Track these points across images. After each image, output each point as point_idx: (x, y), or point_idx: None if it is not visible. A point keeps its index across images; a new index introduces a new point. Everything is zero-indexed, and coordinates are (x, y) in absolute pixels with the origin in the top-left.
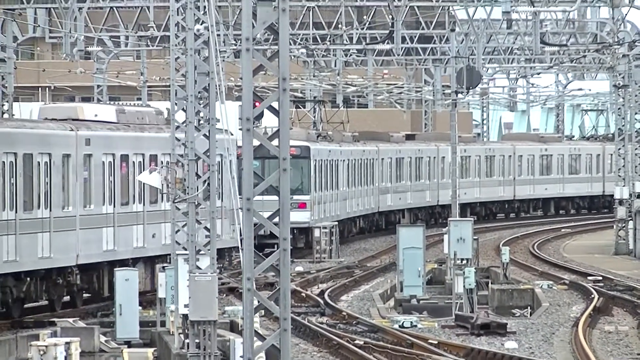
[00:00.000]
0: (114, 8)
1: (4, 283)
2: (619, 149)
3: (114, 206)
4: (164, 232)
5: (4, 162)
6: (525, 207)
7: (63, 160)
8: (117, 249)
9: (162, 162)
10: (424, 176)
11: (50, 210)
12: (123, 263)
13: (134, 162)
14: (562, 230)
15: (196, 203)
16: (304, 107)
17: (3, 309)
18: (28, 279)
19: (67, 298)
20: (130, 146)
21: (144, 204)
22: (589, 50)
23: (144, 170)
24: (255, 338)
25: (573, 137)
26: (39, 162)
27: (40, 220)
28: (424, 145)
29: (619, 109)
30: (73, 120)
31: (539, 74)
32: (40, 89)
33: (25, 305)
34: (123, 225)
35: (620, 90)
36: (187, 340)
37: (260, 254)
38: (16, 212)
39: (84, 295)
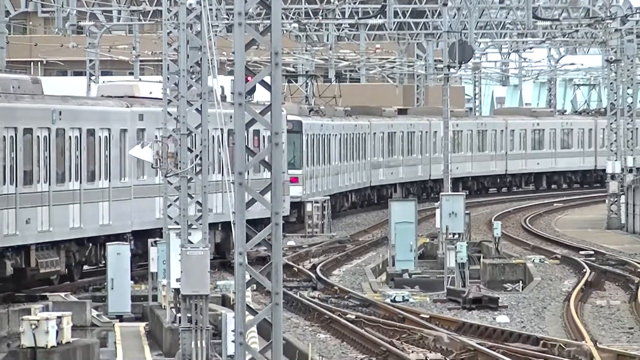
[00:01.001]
0: None
1: (69, 248)
2: (611, 123)
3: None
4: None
5: (70, 136)
6: (517, 181)
7: (120, 135)
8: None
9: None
10: (416, 151)
11: (110, 181)
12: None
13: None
14: (554, 204)
15: (188, 177)
16: (296, 82)
17: (66, 271)
18: (90, 244)
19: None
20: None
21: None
22: (581, 24)
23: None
24: (247, 312)
25: (565, 111)
26: (99, 137)
27: (101, 191)
28: (416, 120)
29: (611, 83)
30: (129, 97)
31: (531, 48)
32: (32, 63)
33: (85, 268)
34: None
35: (612, 64)
36: (178, 315)
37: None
38: (80, 182)
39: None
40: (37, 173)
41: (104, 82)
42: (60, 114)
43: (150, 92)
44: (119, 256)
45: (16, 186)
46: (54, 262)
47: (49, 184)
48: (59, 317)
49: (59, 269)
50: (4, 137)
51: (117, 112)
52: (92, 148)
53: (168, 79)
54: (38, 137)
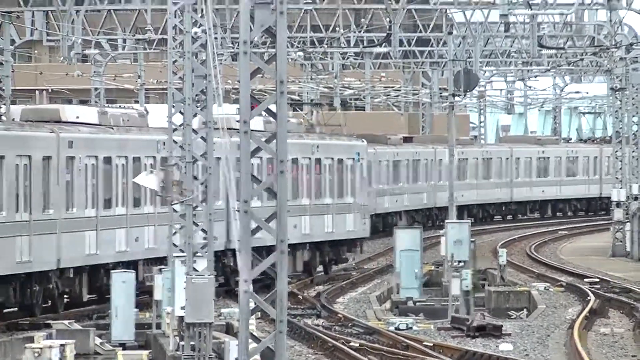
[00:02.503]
0: (112, 11)
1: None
2: (616, 151)
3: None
4: (146, 235)
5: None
6: (523, 209)
7: (43, 162)
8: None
9: (145, 165)
10: (421, 178)
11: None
12: (127, 264)
13: (117, 164)
14: (559, 232)
15: (193, 205)
16: (302, 110)
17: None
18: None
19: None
20: (114, 148)
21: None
22: (586, 53)
23: (127, 172)
24: (250, 340)
25: (570, 139)
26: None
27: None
28: (422, 148)
29: (616, 111)
30: (55, 122)
31: (536, 76)
32: (37, 91)
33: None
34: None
35: (617, 93)
36: (182, 343)
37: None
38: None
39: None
40: None
41: (26, 105)
42: None
43: (77, 117)
44: (123, 284)
45: None
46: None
47: None
48: (62, 345)
49: None
50: None
51: (40, 137)
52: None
53: (173, 107)
54: None
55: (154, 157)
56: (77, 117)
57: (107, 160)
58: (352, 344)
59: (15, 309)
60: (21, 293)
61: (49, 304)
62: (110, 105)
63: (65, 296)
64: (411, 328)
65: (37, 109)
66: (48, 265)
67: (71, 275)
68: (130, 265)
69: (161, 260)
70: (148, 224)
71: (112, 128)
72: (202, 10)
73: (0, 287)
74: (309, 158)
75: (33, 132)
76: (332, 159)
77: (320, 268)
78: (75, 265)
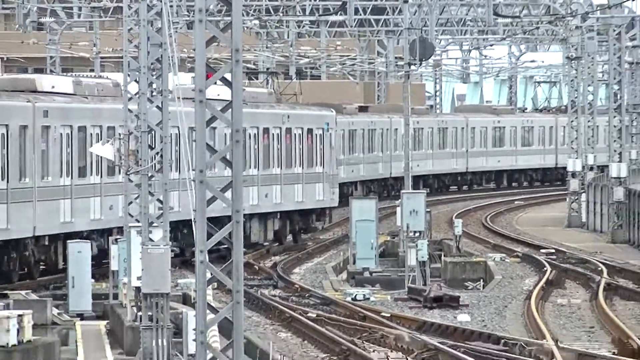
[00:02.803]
0: None
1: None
2: (572, 121)
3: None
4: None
5: None
6: (478, 179)
7: (20, 131)
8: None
9: (119, 134)
10: (377, 148)
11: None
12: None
13: (91, 133)
14: (515, 202)
15: (149, 175)
16: (257, 79)
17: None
18: None
19: None
20: (88, 117)
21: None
22: (542, 21)
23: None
24: (208, 311)
25: (526, 109)
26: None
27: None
28: (377, 117)
29: (572, 81)
30: (31, 92)
31: (491, 45)
32: None
33: None
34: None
35: (573, 62)
36: (139, 313)
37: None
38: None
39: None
40: None
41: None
42: None
43: (53, 87)
44: (79, 254)
45: None
46: None
47: None
48: (19, 316)
49: None
50: None
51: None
52: None
53: (129, 75)
54: None
55: None
56: (53, 87)
57: (82, 129)
58: (309, 314)
59: None
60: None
61: (25, 271)
62: (83, 74)
63: (41, 264)
64: (368, 299)
65: (13, 79)
66: (25, 233)
67: (46, 243)
68: (105, 233)
69: None
70: (122, 192)
71: (87, 97)
72: None
73: None
74: (280, 128)
75: (10, 101)
76: (302, 128)
77: (290, 237)
78: (50, 233)
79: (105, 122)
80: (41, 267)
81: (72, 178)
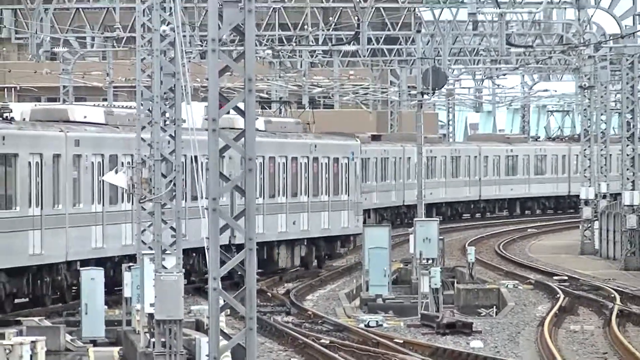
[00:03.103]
0: (80, 9)
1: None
2: (585, 149)
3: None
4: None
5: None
6: (491, 207)
7: (53, 160)
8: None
9: (128, 163)
10: (390, 176)
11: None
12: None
13: (122, 162)
14: (528, 230)
15: (162, 203)
16: (270, 108)
17: None
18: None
19: None
20: (119, 146)
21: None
22: (555, 51)
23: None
24: (221, 337)
25: (539, 137)
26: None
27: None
28: (390, 146)
29: (585, 110)
30: (63, 122)
31: (504, 75)
32: (5, 89)
33: None
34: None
35: (586, 91)
36: (153, 339)
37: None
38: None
39: None
40: None
41: (35, 105)
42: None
43: (85, 117)
44: (92, 281)
45: None
46: None
47: None
48: (33, 342)
49: None
50: None
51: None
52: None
53: (142, 105)
54: None
55: None
56: (85, 117)
57: (113, 158)
58: (322, 340)
59: (27, 299)
60: (33, 285)
61: (58, 295)
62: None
63: (73, 288)
64: (381, 325)
65: (47, 109)
66: (58, 258)
67: (78, 268)
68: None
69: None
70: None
71: (118, 127)
72: (170, 8)
73: (13, 279)
74: (307, 157)
75: (44, 131)
76: (329, 157)
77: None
78: (82, 258)
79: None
80: (72, 291)
81: (103, 205)
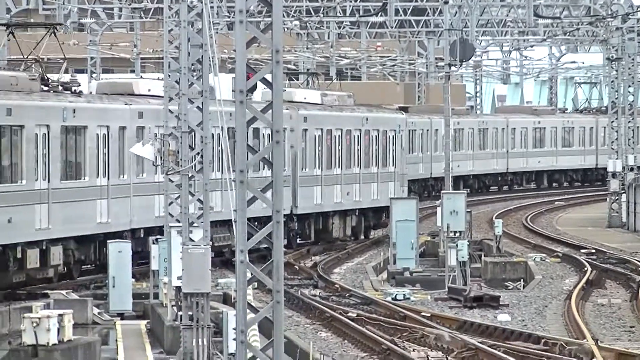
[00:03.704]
0: None
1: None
2: (612, 121)
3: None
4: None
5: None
6: (519, 179)
7: (119, 132)
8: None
9: (155, 134)
10: (417, 149)
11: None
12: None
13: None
14: (555, 203)
15: (189, 175)
16: (297, 80)
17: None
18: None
19: None
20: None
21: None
22: (583, 22)
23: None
24: (248, 310)
25: (566, 109)
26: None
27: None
28: (417, 118)
29: (612, 81)
30: (128, 95)
31: (532, 46)
32: (33, 60)
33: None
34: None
35: (613, 63)
36: (180, 313)
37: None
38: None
39: None
40: None
41: (102, 79)
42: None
43: (149, 90)
44: (120, 254)
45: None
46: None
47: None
48: (60, 315)
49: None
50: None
51: (116, 109)
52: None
53: (169, 76)
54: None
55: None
56: (149, 90)
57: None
58: (349, 314)
59: (93, 266)
60: (100, 252)
61: None
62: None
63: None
64: (408, 298)
65: (112, 83)
66: (123, 226)
67: (142, 236)
68: None
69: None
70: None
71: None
72: None
73: (82, 247)
74: (360, 130)
75: (110, 104)
76: (378, 130)
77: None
78: (145, 226)
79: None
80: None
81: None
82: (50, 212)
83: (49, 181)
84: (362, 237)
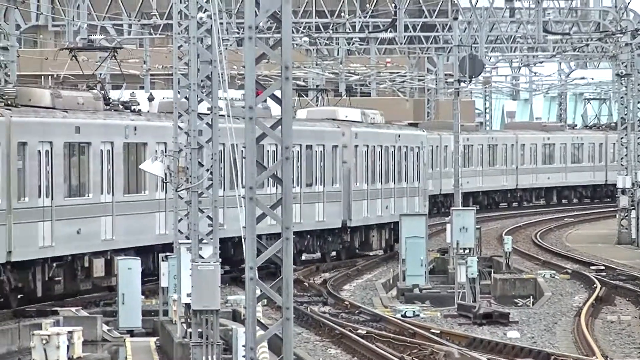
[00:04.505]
0: None
1: None
2: (622, 137)
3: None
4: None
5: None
6: (528, 196)
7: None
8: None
9: (163, 151)
10: (427, 165)
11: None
12: None
13: (315, 151)
14: (565, 219)
15: (199, 192)
16: (307, 96)
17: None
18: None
19: None
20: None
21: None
22: (592, 38)
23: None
24: (257, 327)
25: (575, 126)
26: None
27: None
28: (427, 134)
29: (622, 97)
30: (332, 120)
31: (541, 62)
32: (43, 77)
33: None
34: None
35: (622, 79)
36: (189, 330)
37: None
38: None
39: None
40: None
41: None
42: None
43: (346, 116)
44: (129, 271)
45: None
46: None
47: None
48: (69, 332)
49: None
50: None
51: (329, 130)
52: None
53: (179, 92)
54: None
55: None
56: (346, 116)
57: (309, 147)
58: (359, 331)
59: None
60: (156, 263)
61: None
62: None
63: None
64: (418, 315)
65: (168, 102)
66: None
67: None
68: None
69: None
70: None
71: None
72: None
73: (143, 257)
74: (394, 146)
75: (167, 122)
76: (407, 147)
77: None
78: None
79: (327, 142)
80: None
81: (224, 190)
82: (114, 224)
83: (113, 194)
84: (390, 250)
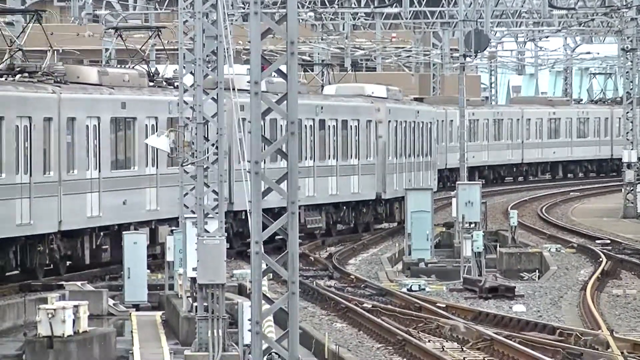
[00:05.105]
0: None
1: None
2: (627, 112)
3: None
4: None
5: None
6: (534, 170)
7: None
8: None
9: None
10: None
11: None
12: None
13: (351, 126)
14: (570, 193)
15: (204, 166)
16: (312, 71)
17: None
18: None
19: None
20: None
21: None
22: (597, 13)
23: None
24: (263, 301)
25: (581, 100)
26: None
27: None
28: (433, 109)
29: (627, 72)
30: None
31: (547, 37)
32: (48, 52)
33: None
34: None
35: (628, 53)
36: (195, 304)
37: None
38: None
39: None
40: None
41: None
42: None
43: (372, 92)
44: (135, 245)
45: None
46: (317, 220)
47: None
48: (75, 306)
49: (321, 225)
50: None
51: (364, 106)
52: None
53: (184, 67)
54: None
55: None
56: (372, 92)
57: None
58: (365, 305)
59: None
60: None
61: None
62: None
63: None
64: (423, 289)
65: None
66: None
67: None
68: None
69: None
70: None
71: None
72: None
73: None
74: (414, 121)
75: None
76: (423, 122)
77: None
78: (243, 209)
79: (362, 117)
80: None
81: (264, 162)
82: (158, 195)
83: (157, 167)
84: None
